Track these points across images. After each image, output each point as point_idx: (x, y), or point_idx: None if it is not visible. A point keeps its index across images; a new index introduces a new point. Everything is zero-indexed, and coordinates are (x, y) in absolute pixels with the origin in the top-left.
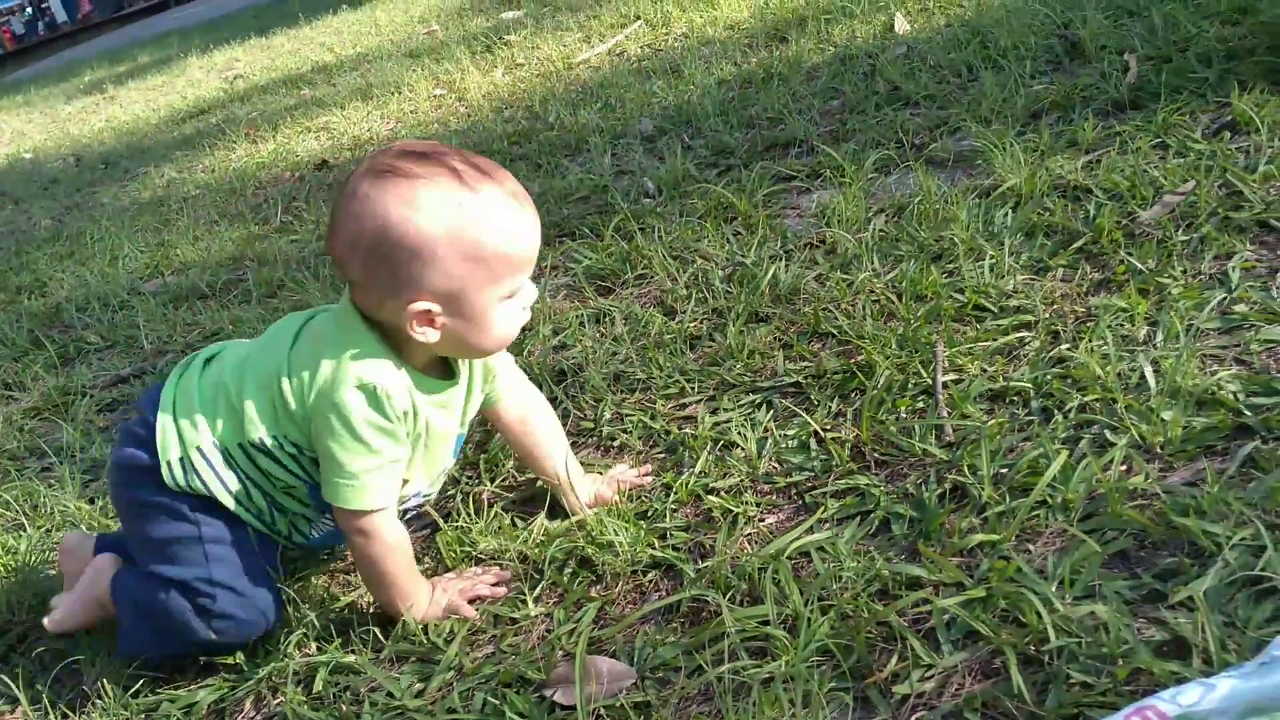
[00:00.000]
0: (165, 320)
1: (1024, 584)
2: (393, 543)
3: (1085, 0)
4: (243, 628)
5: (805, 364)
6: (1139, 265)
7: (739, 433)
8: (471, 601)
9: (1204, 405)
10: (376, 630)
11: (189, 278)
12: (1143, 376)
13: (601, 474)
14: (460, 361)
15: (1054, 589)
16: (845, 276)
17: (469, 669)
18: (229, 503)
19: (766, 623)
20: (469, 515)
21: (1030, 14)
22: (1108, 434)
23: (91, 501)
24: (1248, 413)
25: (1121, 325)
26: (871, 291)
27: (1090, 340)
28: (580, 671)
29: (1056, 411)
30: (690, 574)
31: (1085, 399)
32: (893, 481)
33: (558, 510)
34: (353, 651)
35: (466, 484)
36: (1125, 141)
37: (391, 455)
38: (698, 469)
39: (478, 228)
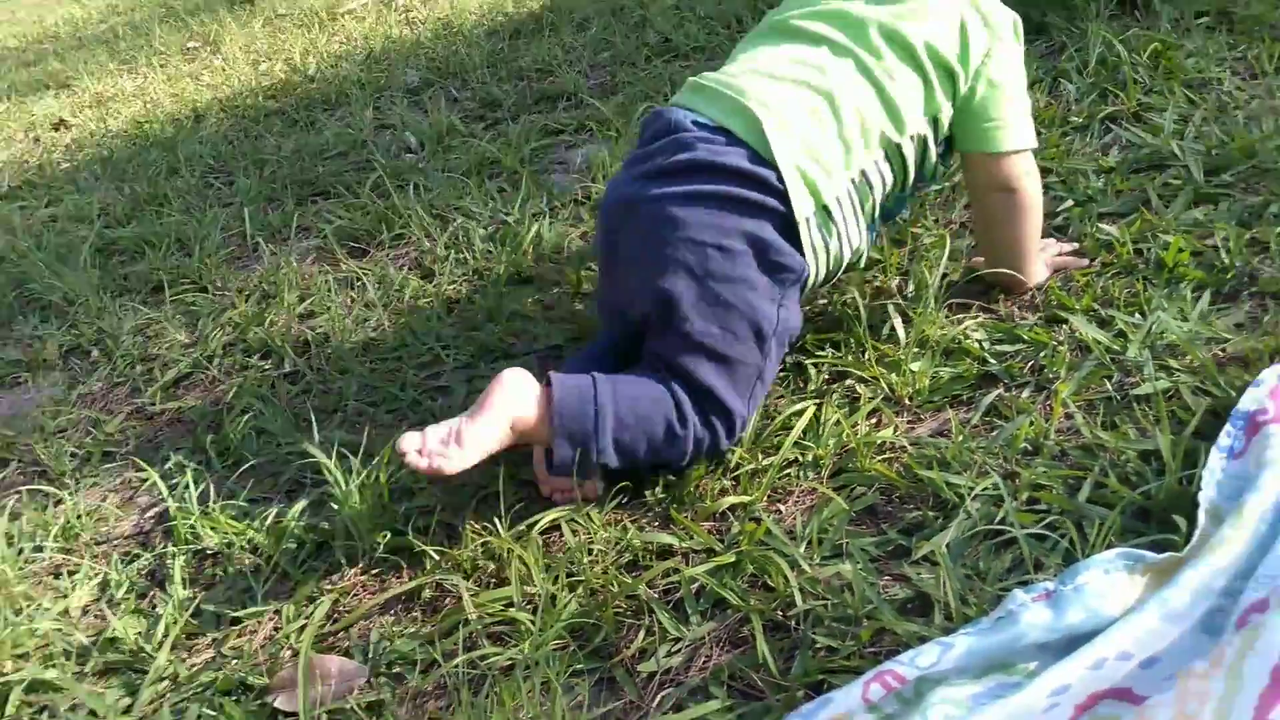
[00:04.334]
0: None
1: (773, 546)
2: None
3: None
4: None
5: (568, 326)
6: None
7: None
8: (1058, 271)
9: (951, 355)
10: (82, 637)
11: None
12: (893, 328)
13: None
14: None
15: (802, 550)
16: None
17: (184, 677)
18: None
19: (511, 605)
20: (198, 503)
21: None
22: (859, 387)
23: None
24: (992, 361)
25: (875, 277)
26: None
27: (844, 293)
28: (304, 673)
29: (811, 367)
30: (434, 557)
31: (838, 353)
32: None
33: (297, 495)
34: (54, 665)
35: (197, 468)
36: None
37: None
38: None
39: None
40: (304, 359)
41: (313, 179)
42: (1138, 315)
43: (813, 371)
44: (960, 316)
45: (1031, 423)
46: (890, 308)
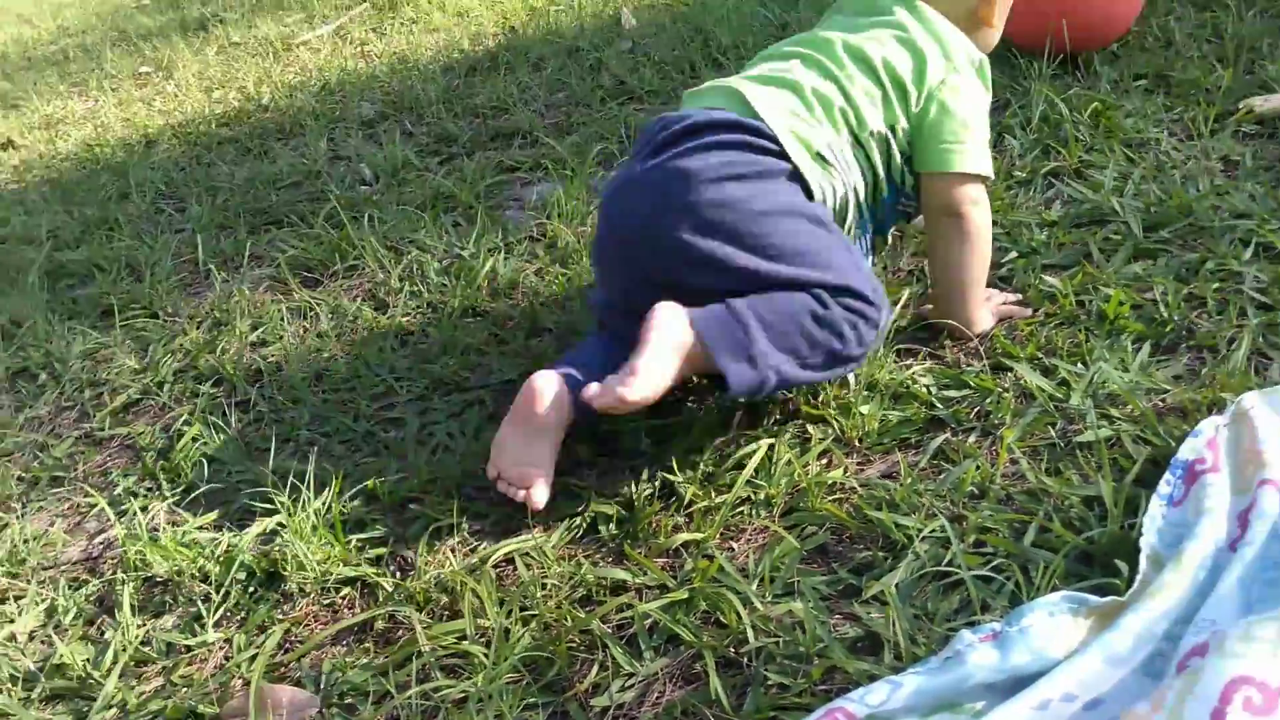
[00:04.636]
0: None
1: (726, 583)
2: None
3: (801, 1)
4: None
5: (522, 360)
6: None
7: (448, 434)
8: (1003, 320)
9: (899, 399)
10: (28, 663)
11: None
12: None
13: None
14: None
15: (754, 587)
16: (564, 271)
17: (133, 705)
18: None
19: (464, 638)
20: (147, 530)
21: (750, 14)
22: (810, 428)
23: None
24: (939, 405)
25: None
26: (590, 286)
27: None
28: (255, 703)
29: (763, 406)
30: (387, 589)
31: (789, 393)
32: (603, 481)
33: (248, 523)
34: (1, 692)
35: (147, 495)
36: None
37: None
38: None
39: None
40: (255, 388)
41: (266, 208)
42: (1080, 365)
43: (765, 411)
44: (908, 362)
45: (978, 467)
46: None
